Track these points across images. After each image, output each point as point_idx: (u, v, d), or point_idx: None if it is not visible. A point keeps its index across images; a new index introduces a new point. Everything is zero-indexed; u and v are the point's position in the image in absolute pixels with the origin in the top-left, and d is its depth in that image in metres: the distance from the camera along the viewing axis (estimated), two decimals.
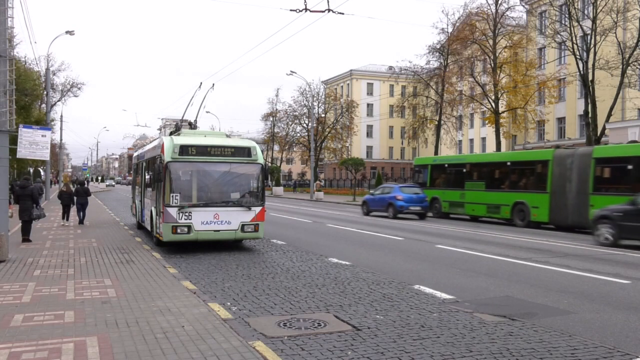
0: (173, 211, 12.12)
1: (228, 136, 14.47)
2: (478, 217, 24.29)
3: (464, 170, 25.20)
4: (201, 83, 18.27)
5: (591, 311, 7.45)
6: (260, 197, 13.13)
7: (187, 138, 13.28)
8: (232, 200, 12.87)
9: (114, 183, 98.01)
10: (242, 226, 12.62)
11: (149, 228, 14.87)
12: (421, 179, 27.83)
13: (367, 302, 7.74)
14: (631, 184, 16.91)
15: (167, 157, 12.34)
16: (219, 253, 12.67)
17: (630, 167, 17.46)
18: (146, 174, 16.40)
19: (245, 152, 13.08)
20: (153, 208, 13.85)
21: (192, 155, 12.56)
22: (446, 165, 26.81)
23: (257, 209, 12.84)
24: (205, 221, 12.34)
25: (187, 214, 12.20)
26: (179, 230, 12.14)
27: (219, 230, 12.46)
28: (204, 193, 12.78)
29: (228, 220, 12.49)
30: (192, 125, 17.01)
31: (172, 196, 12.15)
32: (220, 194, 12.93)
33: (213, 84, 17.53)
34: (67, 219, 19.96)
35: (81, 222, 19.74)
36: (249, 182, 13.41)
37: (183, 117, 17.70)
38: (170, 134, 15.60)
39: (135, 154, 21.51)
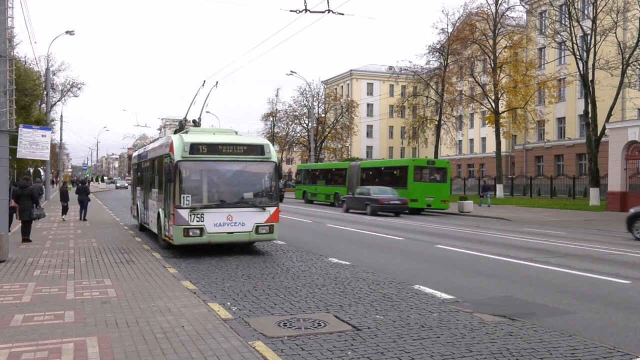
0: (184, 213, 11.55)
1: (237, 133, 14.08)
2: (321, 202, 38.25)
3: (316, 173, 40.76)
4: (204, 81, 17.73)
5: (591, 311, 7.44)
6: (275, 196, 12.62)
7: (197, 136, 12.73)
8: (245, 200, 12.30)
9: (126, 184, 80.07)
10: (257, 227, 12.07)
11: (154, 230, 14.33)
12: (299, 179, 44.13)
13: (367, 302, 7.74)
14: (376, 183, 30.78)
15: (177, 156, 11.73)
16: (218, 253, 12.67)
17: (371, 172, 33.84)
18: (150, 174, 15.77)
19: (258, 149, 12.54)
20: (160, 210, 13.25)
21: (203, 154, 11.99)
22: (310, 170, 42.52)
23: (272, 209, 12.30)
24: (218, 223, 11.78)
25: (199, 215, 11.63)
26: (190, 233, 11.56)
27: (232, 232, 11.89)
28: (216, 193, 12.32)
29: (242, 222, 11.94)
30: (197, 124, 16.45)
31: (183, 197, 11.56)
32: (233, 194, 12.38)
33: (217, 82, 17.32)
34: (65, 213, 22.16)
35: (83, 219, 21.17)
36: (262, 181, 12.81)
37: (186, 115, 17.34)
38: (175, 132, 15.06)
39: (135, 154, 20.77)
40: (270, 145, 12.91)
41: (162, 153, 13.38)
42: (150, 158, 15.75)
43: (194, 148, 11.89)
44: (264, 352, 5.23)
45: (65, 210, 22.22)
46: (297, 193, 44.17)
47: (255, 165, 12.64)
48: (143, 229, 17.01)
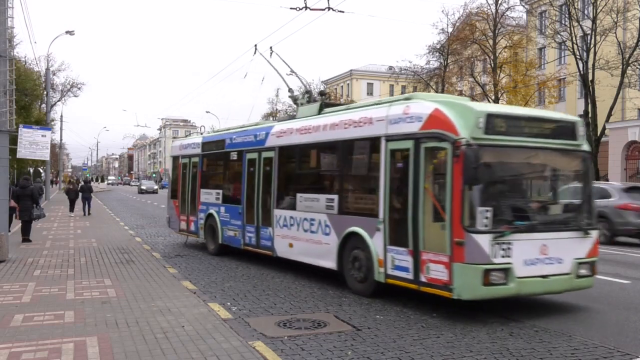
0: (483, 241, 6.56)
1: None
2: None
3: None
4: (256, 47, 14.61)
5: (591, 311, 7.45)
6: (593, 210, 7.91)
7: (478, 104, 8.18)
8: (563, 219, 7.79)
9: (155, 187, 65.11)
10: (577, 266, 7.26)
11: (305, 260, 9.64)
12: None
13: (367, 302, 7.74)
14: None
15: (463, 134, 6.70)
16: (218, 253, 12.66)
17: None
18: (297, 167, 10.70)
19: (568, 131, 7.65)
20: (361, 231, 8.20)
21: (503, 135, 7.04)
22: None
23: (594, 234, 7.57)
24: (530, 259, 6.90)
25: (505, 246, 6.69)
26: (493, 278, 6.60)
27: (547, 277, 7.03)
28: (525, 206, 7.62)
29: (558, 257, 7.13)
30: (324, 94, 12.29)
31: (480, 212, 6.56)
32: (547, 208, 7.95)
33: (271, 48, 13.87)
34: (72, 211, 24.22)
35: (87, 213, 23.76)
36: (576, 184, 8.18)
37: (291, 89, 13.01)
38: (295, 101, 11.93)
39: (189, 142, 14.72)
40: (582, 123, 7.91)
41: (372, 133, 8.22)
42: (284, 145, 10.39)
43: (493, 123, 6.94)
44: (264, 352, 5.23)
45: (72, 205, 24.71)
46: None
47: (568, 158, 7.92)
48: (224, 249, 12.25)
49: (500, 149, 7.10)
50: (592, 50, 30.95)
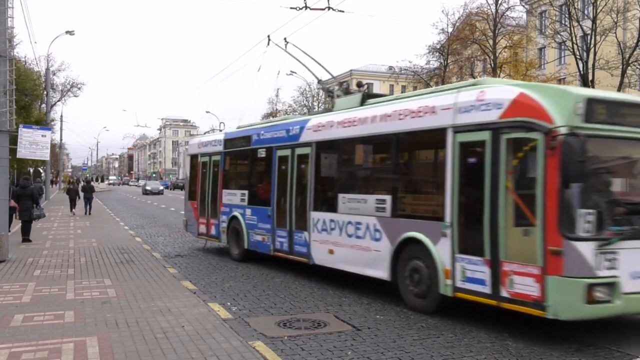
0: (586, 249, 5.63)
1: None
2: None
3: None
4: (269, 37, 13.95)
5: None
6: None
7: (574, 88, 7.68)
8: None
9: (160, 187, 58.62)
10: None
11: (349, 269, 8.62)
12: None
13: (367, 302, 7.74)
14: None
15: (559, 122, 5.73)
16: (219, 253, 12.67)
17: None
18: (333, 165, 9.57)
19: None
20: (381, 234, 7.83)
21: (605, 124, 6.03)
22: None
23: None
24: (638, 272, 5.93)
25: (610, 256, 5.76)
26: (597, 294, 5.61)
27: None
28: (632, 208, 6.35)
29: None
30: (361, 85, 10.47)
31: (581, 215, 5.60)
32: None
33: (285, 39, 13.32)
34: (74, 209, 24.43)
35: (88, 213, 24.05)
36: None
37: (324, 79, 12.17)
38: (329, 94, 11.00)
39: (209, 139, 13.60)
40: None
41: (436, 123, 7.18)
42: (347, 138, 8.90)
43: (594, 110, 5.94)
44: (264, 352, 5.23)
45: (73, 205, 24.95)
46: None
47: None
48: (249, 255, 11.32)
49: (602, 140, 5.99)
50: (592, 50, 30.94)
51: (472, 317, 6.88)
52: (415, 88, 51.75)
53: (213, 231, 12.57)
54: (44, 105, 40.25)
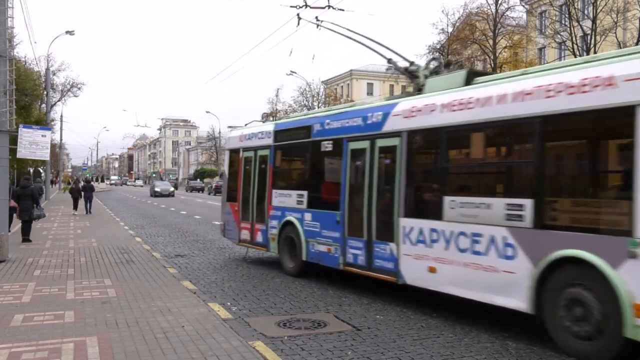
0: None
1: None
2: None
3: None
4: (299, 16, 12.35)
5: None
6: None
7: None
8: None
9: (169, 188, 50.79)
10: None
11: (404, 279, 7.44)
12: None
13: (367, 302, 7.74)
14: None
15: None
16: (219, 253, 12.67)
17: None
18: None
19: None
20: (517, 251, 6.09)
21: None
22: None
23: None
24: None
25: None
26: None
27: None
28: None
29: None
30: (451, 64, 9.86)
31: None
32: None
33: (317, 18, 11.85)
34: (76, 209, 25.17)
35: (88, 211, 25.07)
36: None
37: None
38: (411, 75, 9.19)
39: (254, 131, 11.60)
40: None
41: None
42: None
43: None
44: (264, 352, 5.23)
45: (76, 204, 25.60)
46: None
47: None
48: (308, 268, 9.61)
49: None
50: (592, 50, 30.94)
51: (472, 317, 6.88)
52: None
53: (259, 238, 10.86)
54: (44, 105, 40.25)
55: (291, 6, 16.88)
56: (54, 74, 41.51)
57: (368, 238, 8.07)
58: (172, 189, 51.24)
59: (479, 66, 45.12)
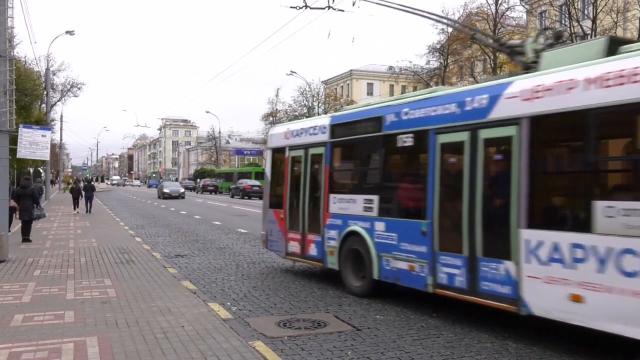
0: None
1: None
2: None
3: None
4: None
5: None
6: None
7: None
8: None
9: (179, 189, 47.64)
10: None
11: (530, 309, 5.82)
12: None
13: (367, 302, 7.74)
14: None
15: None
16: (219, 253, 12.67)
17: None
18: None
19: None
20: None
21: None
22: None
23: None
24: None
25: None
26: None
27: None
28: None
29: None
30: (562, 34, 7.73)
31: None
32: None
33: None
34: (78, 206, 25.76)
35: (89, 211, 25.40)
36: None
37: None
38: (543, 43, 7.11)
39: (305, 126, 10.14)
40: None
41: None
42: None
43: None
44: (264, 352, 5.23)
45: (76, 203, 26.10)
46: None
47: None
48: (381, 288, 8.00)
49: None
50: None
51: (472, 317, 6.88)
52: (415, 88, 51.76)
53: (312, 251, 9.32)
54: (44, 105, 40.25)
55: (291, 7, 16.79)
56: (54, 74, 41.52)
57: (469, 254, 6.44)
58: (182, 189, 47.89)
59: (479, 66, 45.17)
